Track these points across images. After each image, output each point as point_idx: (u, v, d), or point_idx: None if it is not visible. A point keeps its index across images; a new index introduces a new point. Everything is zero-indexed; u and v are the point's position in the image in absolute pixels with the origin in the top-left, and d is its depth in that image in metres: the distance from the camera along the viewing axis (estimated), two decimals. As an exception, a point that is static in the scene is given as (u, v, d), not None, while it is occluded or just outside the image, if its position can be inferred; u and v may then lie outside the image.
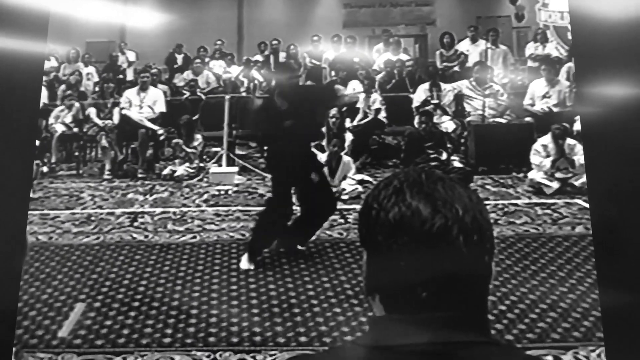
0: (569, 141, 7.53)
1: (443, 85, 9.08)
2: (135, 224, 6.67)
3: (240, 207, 7.17)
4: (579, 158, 7.42)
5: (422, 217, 1.17)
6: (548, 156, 7.48)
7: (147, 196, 7.71)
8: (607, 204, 3.26)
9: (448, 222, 1.17)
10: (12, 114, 3.37)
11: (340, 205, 6.96)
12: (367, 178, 7.63)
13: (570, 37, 10.09)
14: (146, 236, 6.28)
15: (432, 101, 8.80)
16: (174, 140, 8.74)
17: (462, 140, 8.66)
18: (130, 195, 7.75)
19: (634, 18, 3.30)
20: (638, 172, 3.23)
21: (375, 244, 1.21)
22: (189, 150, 8.56)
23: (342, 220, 6.52)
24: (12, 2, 3.39)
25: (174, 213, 6.99)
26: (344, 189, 7.17)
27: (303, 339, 4.39)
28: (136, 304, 4.89)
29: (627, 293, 3.13)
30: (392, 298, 1.21)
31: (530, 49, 10.53)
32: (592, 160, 3.31)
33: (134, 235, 6.31)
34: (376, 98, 8.94)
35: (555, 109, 8.65)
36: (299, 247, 5.76)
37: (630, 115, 3.25)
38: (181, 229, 6.48)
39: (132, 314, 4.74)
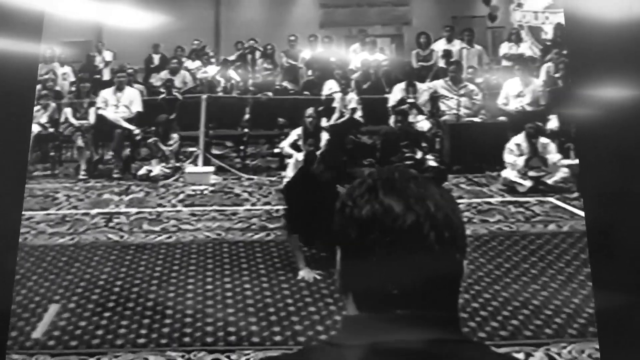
0: (542, 140, 7.61)
1: (419, 85, 9.13)
2: (111, 224, 6.65)
3: (216, 207, 7.17)
4: (552, 156, 7.51)
5: (394, 214, 1.17)
6: (521, 155, 7.55)
7: (123, 196, 7.69)
8: (601, 205, 3.25)
9: (420, 218, 1.17)
10: (6, 115, 3.36)
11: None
12: (342, 177, 7.68)
13: (543, 36, 10.21)
14: (121, 236, 6.26)
15: (408, 100, 8.85)
16: (150, 140, 8.71)
17: (437, 139, 8.73)
18: (105, 196, 7.72)
19: (629, 19, 3.30)
20: (633, 173, 3.23)
21: (348, 241, 1.21)
22: (165, 148, 8.54)
23: (318, 220, 6.56)
24: (6, 2, 3.37)
25: (150, 213, 6.98)
26: (319, 188, 7.20)
27: (278, 338, 4.37)
28: (111, 304, 4.85)
29: (622, 295, 3.12)
30: (364, 296, 1.21)
31: (505, 48, 10.63)
32: (587, 162, 3.30)
33: (109, 235, 6.29)
34: (352, 98, 8.98)
35: (529, 108, 8.75)
36: None
37: (625, 116, 3.24)
38: (157, 229, 6.46)
39: (107, 314, 4.69)
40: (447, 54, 10.15)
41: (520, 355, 4.16)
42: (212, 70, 10.69)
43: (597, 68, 3.25)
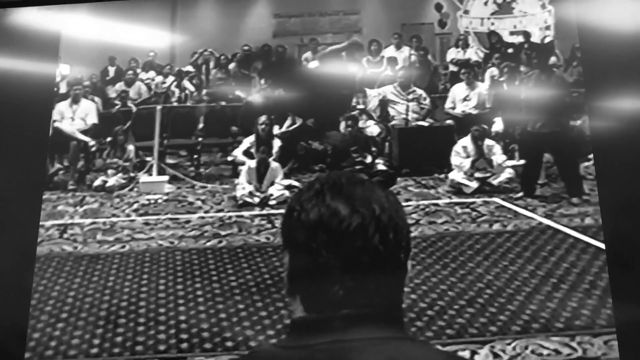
0: (488, 142, 7.76)
1: (368, 91, 9.24)
2: (65, 235, 6.65)
3: (170, 215, 7.21)
4: (497, 158, 7.66)
5: (341, 217, 1.24)
6: (468, 157, 7.69)
7: (78, 207, 7.68)
8: (619, 216, 3.25)
9: (365, 221, 1.24)
10: (25, 133, 3.40)
11: (267, 210, 7.08)
12: (294, 183, 7.74)
13: (488, 42, 10.35)
14: (75, 247, 6.26)
15: (358, 106, 8.95)
16: (112, 160, 8.70)
17: (386, 144, 8.83)
18: (60, 207, 7.70)
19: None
20: None
21: (296, 244, 1.28)
22: (125, 164, 8.56)
23: (269, 225, 6.62)
24: (25, 23, 3.42)
25: (104, 223, 6.99)
26: (271, 194, 7.28)
27: (229, 343, 4.41)
28: (64, 315, 4.87)
29: None
30: (311, 297, 1.28)
31: (452, 54, 10.78)
32: (604, 173, 3.31)
33: (64, 247, 6.28)
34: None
35: (474, 112, 8.90)
36: None
37: None
38: (110, 239, 6.48)
39: (60, 325, 4.71)
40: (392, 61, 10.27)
41: (466, 353, 4.24)
42: (167, 81, 10.69)
43: (612, 79, 3.29)
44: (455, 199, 7.44)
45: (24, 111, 3.35)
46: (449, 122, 8.97)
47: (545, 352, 4.19)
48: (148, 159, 8.91)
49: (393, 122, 9.06)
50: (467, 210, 6.98)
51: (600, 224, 5.24)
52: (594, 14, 3.47)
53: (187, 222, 6.94)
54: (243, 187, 7.31)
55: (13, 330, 3.41)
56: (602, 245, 5.01)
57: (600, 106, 3.42)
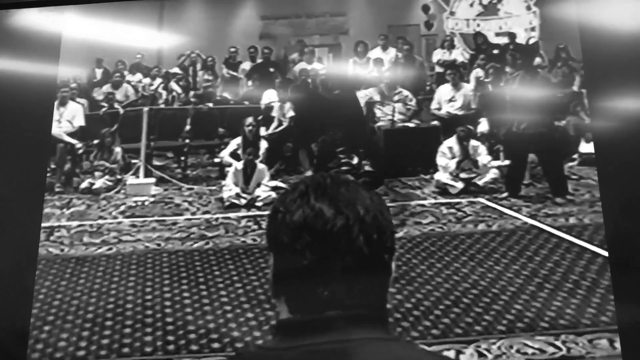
0: (473, 142, 7.80)
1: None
2: (52, 238, 6.63)
3: (156, 218, 7.20)
4: (482, 158, 7.70)
5: (325, 218, 1.25)
6: (453, 157, 7.72)
7: (64, 210, 7.66)
8: (621, 218, 3.25)
9: (349, 221, 1.25)
10: (26, 134, 3.40)
11: (254, 212, 7.09)
12: (280, 185, 7.76)
13: (474, 44, 10.43)
14: (62, 250, 6.25)
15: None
16: (99, 162, 8.69)
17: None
18: (47, 210, 7.67)
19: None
20: None
21: (281, 245, 1.28)
22: (112, 166, 8.55)
23: (255, 227, 6.62)
24: (26, 25, 3.43)
25: (91, 226, 6.97)
26: (258, 196, 7.29)
27: (216, 345, 4.42)
28: (50, 317, 4.86)
29: None
30: (296, 298, 1.29)
31: (438, 55, 10.83)
32: (606, 174, 3.31)
33: (50, 249, 6.27)
34: (291, 106, 9.08)
35: (460, 112, 8.94)
36: None
37: None
38: (97, 241, 6.47)
39: (47, 328, 4.71)
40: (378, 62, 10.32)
41: (451, 353, 4.26)
42: (154, 83, 10.68)
43: (614, 80, 3.29)
44: (441, 200, 7.51)
45: (25, 112, 3.36)
46: (434, 123, 9.01)
47: (530, 351, 4.21)
48: (135, 161, 8.91)
49: (379, 124, 9.10)
50: (453, 210, 7.01)
51: (584, 224, 5.30)
52: (595, 14, 3.49)
53: (174, 224, 6.94)
54: (230, 188, 7.32)
55: (14, 330, 3.42)
56: (588, 245, 5.07)
57: (600, 106, 3.43)
